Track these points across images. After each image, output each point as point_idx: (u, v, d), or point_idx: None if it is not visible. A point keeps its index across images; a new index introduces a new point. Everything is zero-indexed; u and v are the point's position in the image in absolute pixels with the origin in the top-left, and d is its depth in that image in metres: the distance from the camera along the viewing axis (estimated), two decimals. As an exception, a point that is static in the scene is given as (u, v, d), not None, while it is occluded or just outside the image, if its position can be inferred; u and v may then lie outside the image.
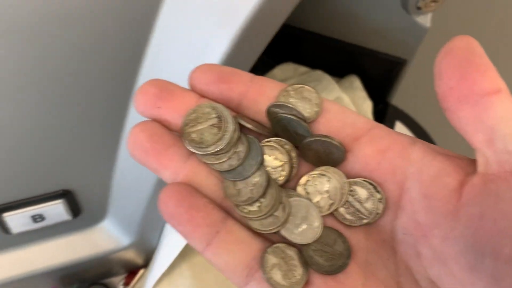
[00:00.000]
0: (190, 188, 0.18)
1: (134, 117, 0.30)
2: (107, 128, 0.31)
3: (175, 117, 0.19)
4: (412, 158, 0.18)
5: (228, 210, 0.19)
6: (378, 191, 0.18)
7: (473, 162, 0.17)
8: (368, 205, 0.18)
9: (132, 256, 0.42)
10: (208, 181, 0.19)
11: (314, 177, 0.19)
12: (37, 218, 0.34)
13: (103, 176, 0.34)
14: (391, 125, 0.59)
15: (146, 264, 0.44)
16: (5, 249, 0.37)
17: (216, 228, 0.18)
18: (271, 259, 0.18)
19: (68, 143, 0.31)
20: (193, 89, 0.20)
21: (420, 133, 0.59)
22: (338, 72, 0.55)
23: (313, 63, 0.55)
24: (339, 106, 0.20)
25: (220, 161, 0.19)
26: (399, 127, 0.59)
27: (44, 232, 0.37)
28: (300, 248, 0.19)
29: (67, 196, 0.34)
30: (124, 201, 0.36)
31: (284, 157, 0.19)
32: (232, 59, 0.26)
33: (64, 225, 0.37)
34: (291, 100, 0.19)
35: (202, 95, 0.20)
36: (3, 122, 0.27)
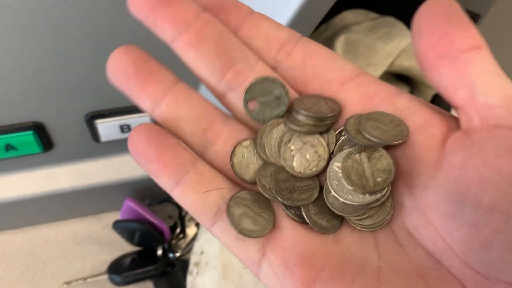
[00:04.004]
0: (161, 129, 0.18)
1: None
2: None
3: (171, 28, 0.18)
4: (398, 107, 0.18)
5: (199, 153, 0.19)
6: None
7: (456, 120, 0.17)
8: None
9: (201, 178, 0.44)
10: (191, 111, 0.18)
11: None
12: (124, 128, 0.37)
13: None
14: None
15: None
16: (93, 157, 0.40)
17: (185, 168, 0.17)
18: (237, 211, 0.17)
19: (160, 55, 0.33)
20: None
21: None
22: (404, 24, 0.54)
23: (378, 13, 0.55)
24: (329, 51, 0.19)
25: None
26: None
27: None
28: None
29: (154, 109, 0.37)
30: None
31: (325, 155, 0.19)
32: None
33: (146, 139, 0.40)
34: None
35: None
36: (103, 28, 0.30)
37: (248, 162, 0.19)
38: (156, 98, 0.18)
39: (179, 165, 0.17)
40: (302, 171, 0.18)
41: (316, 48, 0.19)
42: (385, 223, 0.17)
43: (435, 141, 0.17)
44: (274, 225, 0.18)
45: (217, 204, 0.18)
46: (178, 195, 0.18)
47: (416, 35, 0.17)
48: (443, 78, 0.17)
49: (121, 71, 0.18)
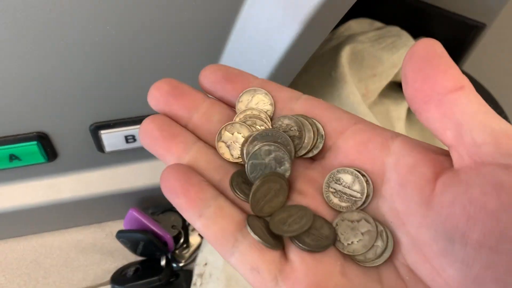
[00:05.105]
0: (188, 168, 0.20)
1: (226, 60, 0.32)
2: (202, 60, 0.33)
3: (184, 113, 0.22)
4: (391, 150, 0.19)
5: (222, 191, 0.21)
6: (362, 174, 0.19)
7: (450, 158, 0.18)
8: (356, 187, 0.19)
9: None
10: (209, 165, 0.21)
11: None
12: (129, 138, 0.37)
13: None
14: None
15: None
16: (97, 167, 0.40)
17: (208, 202, 0.19)
18: (255, 222, 0.19)
19: (165, 71, 0.33)
20: (201, 87, 0.22)
21: (489, 101, 0.58)
22: (409, 33, 0.54)
23: (383, 22, 0.55)
24: (327, 104, 0.22)
25: None
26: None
27: (133, 154, 0.40)
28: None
29: (159, 120, 0.36)
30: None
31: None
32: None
33: (151, 149, 0.39)
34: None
35: (210, 93, 0.22)
36: (110, 40, 0.29)
37: None
38: (178, 156, 0.21)
39: (202, 200, 0.19)
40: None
41: (315, 103, 0.21)
42: (385, 259, 0.18)
43: (427, 181, 0.18)
44: (285, 257, 0.19)
45: (235, 236, 0.19)
46: (200, 227, 0.19)
47: (403, 81, 0.18)
48: (431, 122, 0.17)
49: (149, 135, 0.21)
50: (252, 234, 0.18)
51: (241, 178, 0.21)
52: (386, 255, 0.18)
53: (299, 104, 0.21)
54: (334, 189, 0.20)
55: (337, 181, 0.20)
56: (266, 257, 0.18)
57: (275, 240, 0.19)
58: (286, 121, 0.21)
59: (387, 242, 0.18)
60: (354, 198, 0.19)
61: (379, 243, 0.18)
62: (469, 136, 0.16)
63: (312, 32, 0.28)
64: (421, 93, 0.17)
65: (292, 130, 0.21)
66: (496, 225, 0.15)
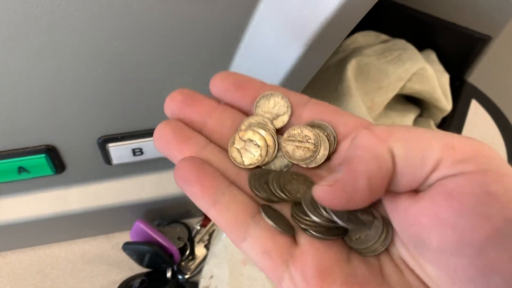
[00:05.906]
0: (202, 160, 0.21)
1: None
2: (209, 75, 0.33)
3: (198, 119, 0.23)
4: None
5: (233, 182, 0.22)
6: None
7: None
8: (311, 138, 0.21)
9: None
10: (220, 166, 0.22)
11: None
12: (137, 151, 0.37)
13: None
14: (466, 103, 0.58)
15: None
16: (104, 179, 0.40)
17: (222, 190, 0.20)
18: (269, 210, 0.20)
19: (173, 84, 0.33)
20: (212, 94, 0.23)
21: (496, 113, 0.58)
22: (415, 45, 0.54)
23: (389, 34, 0.55)
24: (334, 108, 0.22)
25: None
26: (475, 105, 0.58)
27: (139, 166, 0.40)
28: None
29: (166, 133, 0.37)
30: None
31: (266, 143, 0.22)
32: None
33: (157, 162, 0.40)
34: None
35: (221, 99, 0.23)
36: (118, 55, 0.30)
37: None
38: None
39: (217, 188, 0.20)
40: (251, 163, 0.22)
41: (322, 108, 0.22)
42: (382, 250, 0.20)
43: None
44: (295, 242, 0.20)
45: (247, 222, 0.20)
46: (213, 214, 0.20)
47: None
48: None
49: (163, 138, 0.22)
50: (266, 219, 0.19)
51: (258, 180, 0.21)
52: (381, 248, 0.20)
53: (307, 110, 0.23)
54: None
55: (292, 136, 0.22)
56: (278, 242, 0.19)
57: (288, 226, 0.20)
58: (305, 132, 0.22)
59: (387, 234, 0.20)
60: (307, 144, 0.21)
61: (383, 236, 0.20)
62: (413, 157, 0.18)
63: (318, 50, 0.28)
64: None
65: (308, 142, 0.22)
66: (452, 232, 0.16)
